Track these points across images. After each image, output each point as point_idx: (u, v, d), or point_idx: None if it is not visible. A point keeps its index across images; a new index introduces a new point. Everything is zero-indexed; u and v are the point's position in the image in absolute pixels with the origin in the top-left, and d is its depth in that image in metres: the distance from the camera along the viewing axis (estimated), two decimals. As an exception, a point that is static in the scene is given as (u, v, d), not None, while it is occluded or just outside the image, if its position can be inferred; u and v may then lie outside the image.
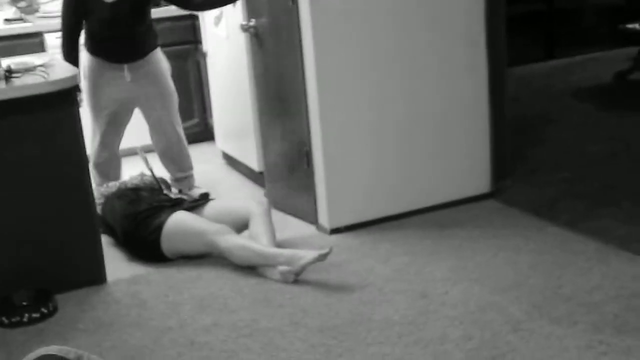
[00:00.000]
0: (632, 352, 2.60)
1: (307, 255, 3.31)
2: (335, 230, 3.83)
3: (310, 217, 3.96)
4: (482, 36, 3.93)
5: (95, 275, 3.49)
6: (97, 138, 4.25)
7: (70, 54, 4.03)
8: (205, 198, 4.02)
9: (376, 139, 3.84)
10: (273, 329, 2.98)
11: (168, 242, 3.60)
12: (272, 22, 3.89)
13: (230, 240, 3.47)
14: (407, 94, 3.85)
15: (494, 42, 4.04)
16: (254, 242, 3.48)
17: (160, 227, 3.60)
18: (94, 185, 4.11)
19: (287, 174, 4.03)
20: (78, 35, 4.11)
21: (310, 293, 3.23)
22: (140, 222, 3.68)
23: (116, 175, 4.36)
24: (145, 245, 3.66)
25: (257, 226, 3.59)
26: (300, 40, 3.70)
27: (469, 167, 4.06)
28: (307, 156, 3.86)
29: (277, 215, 3.96)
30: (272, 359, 2.77)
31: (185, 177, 4.48)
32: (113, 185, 3.98)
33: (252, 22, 4.01)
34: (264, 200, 3.74)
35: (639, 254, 3.32)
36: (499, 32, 4.16)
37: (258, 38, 4.01)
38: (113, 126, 4.24)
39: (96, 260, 3.50)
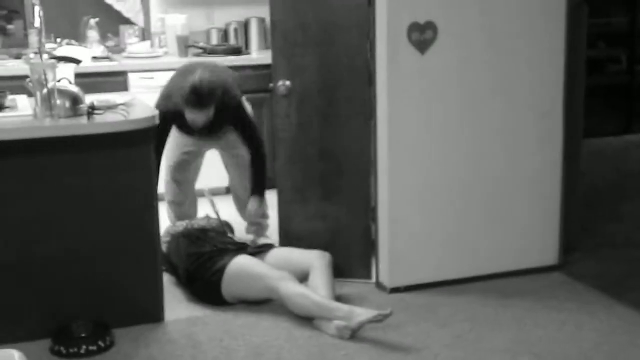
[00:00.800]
0: None
1: (366, 313, 3.28)
2: (394, 290, 3.79)
3: (364, 273, 3.93)
4: (559, 106, 3.89)
5: (153, 313, 3.52)
6: (169, 174, 4.35)
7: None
8: (268, 248, 4.03)
9: (443, 201, 3.81)
10: (324, 384, 2.95)
11: (229, 285, 3.62)
12: (321, 81, 3.81)
13: (291, 287, 3.47)
14: (477, 159, 3.83)
15: (572, 113, 4.00)
16: (314, 293, 3.47)
17: (222, 269, 3.64)
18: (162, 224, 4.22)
19: (335, 230, 3.97)
20: (161, 154, 4.13)
21: (365, 352, 3.19)
22: (203, 262, 3.73)
23: (192, 214, 4.44)
24: (206, 287, 3.69)
25: (317, 278, 3.60)
26: (373, 104, 3.73)
27: (536, 238, 3.99)
28: (374, 212, 3.85)
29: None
30: (321, 415, 2.74)
31: (259, 224, 4.49)
32: (180, 225, 4.05)
33: (287, 83, 3.84)
34: (327, 253, 3.73)
35: None
36: (578, 103, 4.12)
37: (291, 99, 3.85)
38: (184, 163, 4.35)
39: (156, 298, 3.54)
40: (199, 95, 3.86)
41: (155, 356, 3.22)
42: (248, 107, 4.37)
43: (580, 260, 4.15)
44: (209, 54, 5.51)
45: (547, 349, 3.17)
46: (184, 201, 4.44)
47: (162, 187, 4.20)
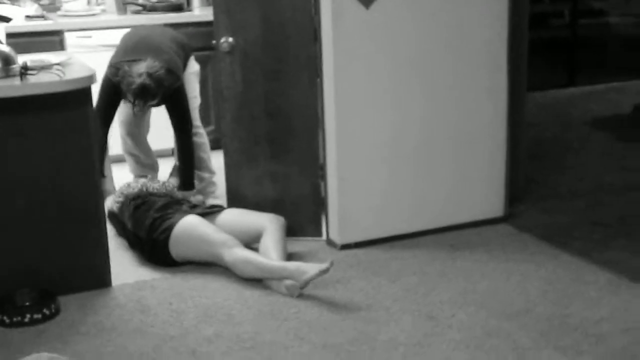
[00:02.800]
0: (641, 388, 2.54)
1: (311, 270, 3.27)
2: (345, 246, 3.78)
3: (315, 231, 3.92)
4: (504, 60, 3.90)
5: (100, 279, 3.46)
6: (122, 130, 4.51)
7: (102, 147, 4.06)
8: (219, 209, 3.94)
9: (392, 157, 3.80)
10: (276, 343, 2.94)
11: (176, 245, 3.58)
12: (266, 38, 3.73)
13: (234, 254, 3.44)
14: (426, 114, 3.82)
15: (516, 66, 4.01)
16: (259, 256, 3.45)
17: (170, 228, 3.59)
18: (114, 184, 4.15)
19: (284, 189, 3.93)
20: (110, 124, 4.16)
21: (316, 308, 3.19)
22: (152, 222, 3.67)
23: (150, 165, 4.55)
24: (154, 246, 3.63)
25: (269, 241, 3.57)
26: (319, 60, 3.68)
27: (483, 190, 4.02)
28: (322, 170, 3.83)
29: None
30: (273, 373, 2.74)
31: (204, 182, 4.48)
32: (135, 186, 3.96)
33: (230, 40, 3.74)
34: (280, 217, 3.71)
35: (651, 287, 3.26)
36: (522, 57, 4.13)
37: (235, 56, 3.76)
38: (135, 118, 4.42)
39: (102, 264, 3.47)
40: (146, 92, 3.89)
41: (103, 322, 3.16)
42: (194, 79, 4.40)
43: (525, 211, 4.21)
44: (148, 11, 5.37)
45: (494, 299, 3.22)
46: (140, 154, 4.57)
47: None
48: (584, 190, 4.57)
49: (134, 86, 3.86)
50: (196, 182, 4.36)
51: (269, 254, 3.49)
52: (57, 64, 3.33)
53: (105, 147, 4.13)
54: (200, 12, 5.44)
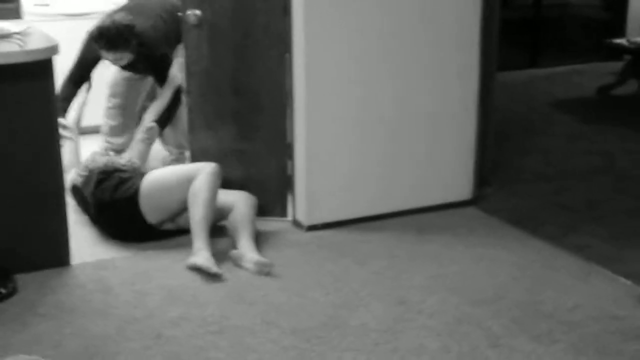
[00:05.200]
0: (613, 377, 2.53)
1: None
2: (312, 227, 3.71)
3: (281, 212, 3.84)
4: (476, 40, 3.84)
5: (59, 257, 3.33)
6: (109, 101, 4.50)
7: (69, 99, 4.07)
8: None
9: (361, 137, 3.73)
10: (243, 327, 2.86)
11: (148, 197, 3.49)
12: (234, 11, 3.61)
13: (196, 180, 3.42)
14: (396, 94, 3.75)
15: (487, 46, 3.96)
16: (198, 210, 3.38)
17: (137, 184, 3.52)
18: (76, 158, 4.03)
19: (250, 167, 3.83)
20: (83, 81, 4.14)
21: (284, 292, 3.11)
22: (117, 183, 3.58)
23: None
24: (121, 207, 3.52)
25: (237, 220, 3.49)
26: (288, 35, 3.58)
27: (452, 172, 3.98)
28: (290, 149, 3.74)
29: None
30: (242, 359, 2.65)
31: (173, 155, 4.48)
32: (100, 161, 3.81)
33: (198, 12, 3.60)
34: (251, 196, 3.62)
35: (619, 274, 3.25)
36: (492, 37, 4.08)
37: (202, 30, 3.63)
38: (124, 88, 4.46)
39: (61, 241, 3.34)
40: (104, 37, 3.85)
41: (63, 303, 3.05)
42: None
43: (493, 194, 4.18)
44: (110, -21, 5.18)
45: (464, 285, 3.18)
46: (123, 127, 4.48)
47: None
48: (551, 173, 4.57)
49: (93, 28, 3.85)
50: (167, 154, 4.33)
51: (238, 234, 3.42)
52: (17, 33, 3.16)
53: (69, 99, 4.08)
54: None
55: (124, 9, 4.17)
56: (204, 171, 3.46)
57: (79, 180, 3.75)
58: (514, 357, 2.65)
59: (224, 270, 3.26)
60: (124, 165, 3.77)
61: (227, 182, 3.74)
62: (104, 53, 3.93)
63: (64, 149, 3.79)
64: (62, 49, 3.19)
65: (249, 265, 3.27)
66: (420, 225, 3.78)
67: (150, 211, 3.52)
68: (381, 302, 3.03)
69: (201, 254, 3.27)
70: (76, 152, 4.05)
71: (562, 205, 4.06)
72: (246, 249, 3.35)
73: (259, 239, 3.55)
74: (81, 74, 4.12)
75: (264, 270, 3.23)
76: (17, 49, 3.01)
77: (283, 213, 3.85)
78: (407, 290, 3.13)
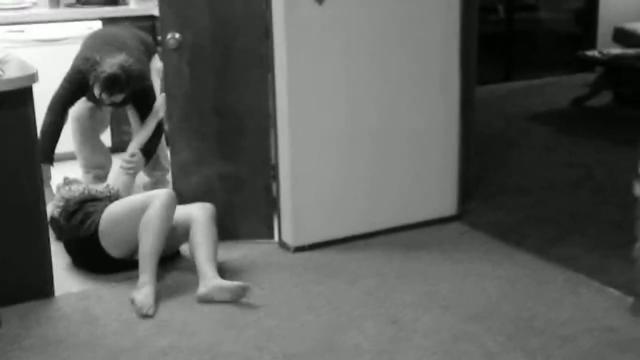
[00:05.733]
0: (611, 390, 2.52)
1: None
2: (299, 249, 3.68)
3: (267, 234, 3.80)
4: (456, 55, 3.85)
5: (42, 289, 3.26)
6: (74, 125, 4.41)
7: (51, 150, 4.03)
8: None
9: (345, 156, 3.72)
10: (236, 353, 2.81)
11: (106, 233, 3.40)
12: (215, 33, 3.58)
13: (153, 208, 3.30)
14: (379, 111, 3.75)
15: (466, 61, 3.97)
16: (149, 237, 3.26)
17: (97, 220, 3.43)
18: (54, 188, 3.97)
19: (234, 190, 3.79)
20: (66, 114, 4.11)
21: (274, 316, 3.07)
22: (81, 222, 3.49)
23: (103, 163, 4.46)
24: (83, 242, 3.46)
25: (197, 235, 3.35)
26: (270, 56, 3.56)
27: (436, 188, 3.98)
28: (274, 170, 3.71)
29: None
30: (236, 386, 2.61)
31: (154, 178, 4.49)
32: (76, 190, 3.74)
33: (177, 36, 3.57)
34: (209, 205, 3.49)
35: (607, 285, 3.26)
36: (472, 51, 4.10)
37: (182, 52, 3.59)
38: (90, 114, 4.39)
39: (43, 272, 3.27)
40: (117, 86, 3.86)
41: (49, 335, 2.98)
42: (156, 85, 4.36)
43: (477, 209, 4.18)
44: (82, 4, 5.17)
45: (455, 301, 3.17)
46: (88, 152, 4.44)
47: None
48: (531, 186, 4.59)
49: (104, 75, 3.81)
50: (148, 179, 4.32)
51: (198, 251, 3.30)
52: (-5, 61, 3.11)
53: (58, 135, 4.05)
54: (136, 6, 5.25)
55: (106, 45, 4.07)
56: (157, 200, 3.34)
57: (56, 212, 3.67)
58: (511, 374, 2.63)
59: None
60: (101, 192, 3.71)
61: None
62: (107, 97, 3.91)
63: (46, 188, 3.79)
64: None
65: (224, 295, 3.17)
66: (407, 242, 3.77)
67: (111, 247, 3.43)
68: (374, 322, 3.00)
69: (143, 290, 3.16)
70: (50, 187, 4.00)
71: (544, 218, 4.07)
72: (209, 278, 3.21)
73: (245, 262, 3.51)
74: (66, 107, 4.09)
75: (243, 295, 3.15)
76: (-5, 78, 2.96)
77: (270, 235, 3.82)
78: (399, 309, 3.11)
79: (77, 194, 3.68)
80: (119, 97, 3.94)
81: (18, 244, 3.18)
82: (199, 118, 3.71)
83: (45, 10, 5.04)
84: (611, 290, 3.22)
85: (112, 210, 3.46)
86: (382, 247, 3.72)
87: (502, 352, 2.76)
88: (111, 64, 3.84)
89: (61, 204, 3.67)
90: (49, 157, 4.02)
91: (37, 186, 3.19)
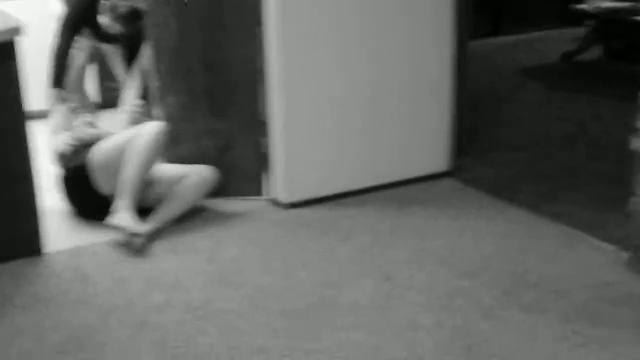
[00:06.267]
0: (607, 345, 2.52)
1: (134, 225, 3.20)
2: (292, 205, 3.64)
3: (257, 191, 3.76)
4: (448, 8, 3.78)
5: (32, 246, 3.21)
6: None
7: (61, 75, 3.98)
8: None
9: (338, 112, 3.66)
10: (231, 311, 2.79)
11: (98, 166, 3.42)
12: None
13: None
14: (372, 67, 3.68)
15: (460, 14, 3.90)
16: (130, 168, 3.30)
17: (88, 151, 3.47)
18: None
19: (224, 147, 3.74)
20: (74, 39, 4.03)
21: (269, 273, 3.05)
22: (74, 153, 3.53)
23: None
24: (74, 174, 3.48)
25: (181, 187, 3.45)
26: (260, 8, 3.48)
27: (429, 144, 3.94)
28: (264, 127, 3.65)
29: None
30: (233, 343, 2.59)
31: None
32: (89, 133, 3.69)
33: None
34: (209, 170, 3.53)
35: (603, 240, 3.26)
36: (466, 5, 4.03)
37: (169, 5, 3.53)
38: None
39: (34, 229, 3.21)
40: (134, 16, 3.84)
41: (40, 293, 2.94)
42: None
43: (470, 165, 4.16)
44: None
45: (450, 257, 3.15)
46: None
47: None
48: (524, 141, 4.56)
49: (124, 10, 3.84)
50: None
51: (169, 200, 3.40)
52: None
53: (67, 60, 3.98)
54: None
55: None
56: (146, 131, 3.36)
57: (67, 150, 3.62)
58: (508, 329, 2.62)
59: (203, 255, 3.19)
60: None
61: (199, 162, 3.65)
62: (120, 27, 3.90)
63: (57, 111, 3.79)
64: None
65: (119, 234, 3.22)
66: (401, 198, 3.74)
67: (101, 181, 3.42)
68: (370, 279, 2.98)
69: (119, 215, 3.21)
70: (69, 117, 3.93)
71: (538, 173, 4.05)
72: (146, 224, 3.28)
73: (236, 219, 3.48)
74: (75, 31, 4.02)
75: (132, 244, 3.19)
76: (-20, 31, 2.86)
77: (259, 192, 3.77)
78: (394, 265, 3.09)
79: (89, 137, 3.65)
80: (126, 30, 3.91)
81: (7, 201, 3.12)
82: (187, 73, 3.63)
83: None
84: (607, 245, 3.21)
85: (104, 144, 3.47)
86: (376, 203, 3.69)
87: (497, 307, 2.76)
88: None
89: (74, 142, 3.63)
90: (60, 81, 3.98)
91: (24, 140, 3.11)
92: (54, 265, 3.16)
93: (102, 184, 3.43)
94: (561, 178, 3.99)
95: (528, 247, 3.22)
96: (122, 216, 3.22)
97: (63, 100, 4.00)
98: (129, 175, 3.28)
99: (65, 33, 4.03)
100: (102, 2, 3.90)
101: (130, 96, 4.09)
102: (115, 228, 3.20)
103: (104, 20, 3.91)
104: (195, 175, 3.51)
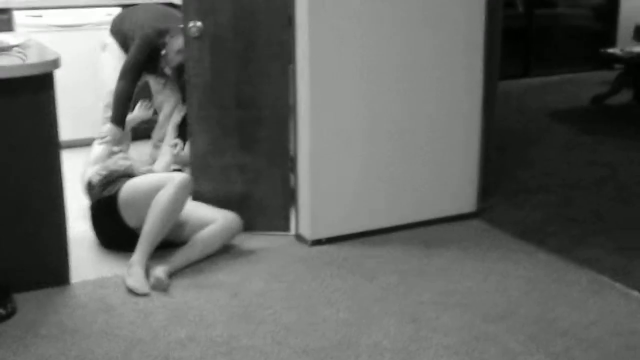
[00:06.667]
0: (636, 395, 2.47)
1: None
2: (316, 242, 3.64)
3: (284, 226, 3.76)
4: (480, 49, 3.80)
5: (59, 275, 3.24)
6: None
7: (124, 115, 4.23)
8: None
9: (365, 149, 3.67)
10: (254, 347, 2.77)
11: (124, 201, 3.45)
12: (237, 23, 3.55)
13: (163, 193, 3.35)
14: (401, 105, 3.70)
15: (490, 56, 3.91)
16: (154, 225, 3.32)
17: (119, 187, 3.50)
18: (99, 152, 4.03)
19: (252, 181, 3.76)
20: (138, 81, 4.30)
21: (293, 310, 3.04)
22: (103, 185, 3.58)
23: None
24: (101, 205, 3.53)
25: (206, 231, 3.46)
26: (292, 46, 3.52)
27: (456, 184, 3.92)
28: (293, 162, 3.67)
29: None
30: (255, 381, 2.58)
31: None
32: (122, 165, 3.75)
33: (199, 24, 3.55)
34: (236, 217, 3.56)
35: (631, 287, 3.21)
36: (495, 47, 4.04)
37: (204, 41, 3.57)
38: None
39: (61, 259, 3.24)
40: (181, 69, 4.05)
41: (65, 323, 2.95)
42: None
43: (497, 206, 4.13)
44: (101, -10, 5.11)
45: (477, 300, 3.12)
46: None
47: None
48: (553, 184, 4.52)
49: (174, 63, 4.20)
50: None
51: (193, 244, 3.41)
52: (17, 46, 3.07)
53: (130, 101, 4.23)
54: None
55: (163, 18, 4.32)
56: (171, 183, 3.38)
57: (96, 178, 3.68)
58: (534, 376, 2.59)
59: (228, 289, 3.19)
60: (143, 172, 3.71)
61: (227, 196, 3.67)
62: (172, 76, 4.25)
63: (101, 144, 3.98)
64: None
65: (151, 279, 3.22)
66: (426, 238, 3.72)
67: (127, 215, 3.46)
68: (394, 320, 2.96)
69: (132, 272, 3.23)
70: (108, 153, 4.05)
71: (567, 217, 4.02)
72: (166, 265, 3.29)
73: (262, 254, 3.48)
74: (138, 76, 4.27)
75: (158, 287, 3.20)
76: (19, 63, 2.92)
77: (286, 228, 3.78)
78: (419, 306, 3.06)
79: (122, 168, 3.70)
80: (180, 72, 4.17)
81: (36, 230, 3.15)
82: (219, 108, 3.67)
83: (63, -5, 5.00)
84: (635, 293, 3.16)
85: (133, 181, 3.52)
86: (401, 242, 3.67)
87: (524, 352, 2.72)
88: (178, 50, 4.07)
89: (104, 172, 3.69)
90: (122, 121, 4.19)
91: (56, 171, 3.15)
92: (79, 295, 3.17)
93: (128, 218, 3.46)
94: (589, 222, 3.95)
95: (555, 293, 3.18)
96: (132, 275, 3.23)
97: (118, 139, 4.11)
98: (147, 228, 3.31)
99: (129, 76, 4.21)
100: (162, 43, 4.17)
101: (169, 134, 4.18)
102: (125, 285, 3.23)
103: (166, 66, 4.18)
104: (221, 221, 3.51)
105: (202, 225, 3.50)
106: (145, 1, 4.89)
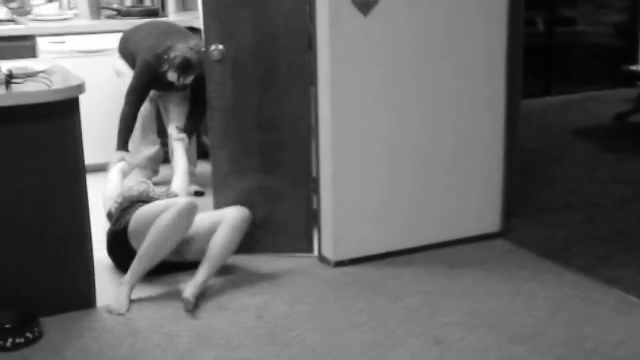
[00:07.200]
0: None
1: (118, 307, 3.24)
2: (339, 263, 3.63)
3: (307, 247, 3.76)
4: (502, 68, 3.79)
5: (84, 299, 3.25)
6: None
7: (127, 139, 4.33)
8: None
9: (387, 170, 3.67)
10: (279, 370, 2.77)
11: (135, 234, 3.44)
12: (258, 46, 3.57)
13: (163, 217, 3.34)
14: (423, 126, 3.69)
15: (512, 74, 3.91)
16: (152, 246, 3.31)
17: (129, 218, 3.49)
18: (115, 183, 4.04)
19: (274, 203, 3.75)
20: (140, 105, 4.39)
21: (317, 332, 3.02)
22: (118, 216, 3.58)
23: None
24: (113, 238, 3.54)
25: (217, 236, 3.44)
26: (314, 68, 3.53)
27: (479, 204, 3.90)
28: (315, 183, 3.67)
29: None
30: (280, 404, 2.57)
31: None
32: (137, 190, 3.77)
33: (221, 47, 3.56)
34: (244, 209, 3.56)
35: (660, 307, 3.17)
36: (517, 65, 4.03)
37: (226, 65, 3.58)
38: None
39: (86, 283, 3.26)
40: (193, 68, 4.13)
41: (91, 347, 2.96)
42: None
43: (521, 226, 4.10)
44: (123, 16, 5.18)
45: (503, 321, 3.09)
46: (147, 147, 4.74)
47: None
48: (578, 203, 4.49)
49: (178, 58, 4.10)
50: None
51: (209, 253, 3.39)
52: (42, 72, 3.12)
53: (133, 127, 4.35)
54: (175, 18, 5.25)
55: (168, 34, 4.33)
56: (174, 207, 3.35)
57: (113, 207, 3.71)
58: (563, 398, 2.55)
59: (252, 312, 3.19)
60: (159, 195, 3.72)
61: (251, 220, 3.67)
62: (182, 78, 4.19)
63: (114, 170, 4.04)
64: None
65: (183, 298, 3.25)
66: (450, 259, 3.70)
67: (138, 244, 3.43)
68: (419, 341, 2.94)
69: (119, 291, 3.28)
70: (124, 175, 4.12)
71: (592, 236, 3.98)
72: (191, 282, 3.31)
73: (285, 276, 3.47)
74: (141, 99, 4.35)
75: (185, 308, 3.21)
76: (44, 88, 2.96)
77: (309, 249, 3.78)
78: (444, 327, 3.04)
79: (136, 193, 3.71)
80: (190, 79, 4.21)
81: (62, 253, 3.17)
82: (241, 131, 3.69)
83: (86, 22, 5.07)
84: (663, 312, 3.13)
85: (142, 210, 3.51)
86: (424, 263, 3.66)
87: (553, 374, 2.69)
88: (184, 48, 4.12)
89: (119, 200, 3.72)
90: (125, 144, 4.31)
91: (81, 196, 3.18)
92: (104, 320, 3.18)
93: (138, 248, 3.43)
94: (615, 241, 3.91)
95: (583, 312, 3.15)
96: (116, 294, 3.28)
97: (120, 161, 4.17)
98: (142, 251, 3.31)
99: (132, 100, 4.30)
100: (164, 62, 4.17)
101: (182, 158, 4.17)
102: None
103: (172, 77, 4.18)
104: (229, 221, 3.49)
105: (210, 233, 3.47)
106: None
